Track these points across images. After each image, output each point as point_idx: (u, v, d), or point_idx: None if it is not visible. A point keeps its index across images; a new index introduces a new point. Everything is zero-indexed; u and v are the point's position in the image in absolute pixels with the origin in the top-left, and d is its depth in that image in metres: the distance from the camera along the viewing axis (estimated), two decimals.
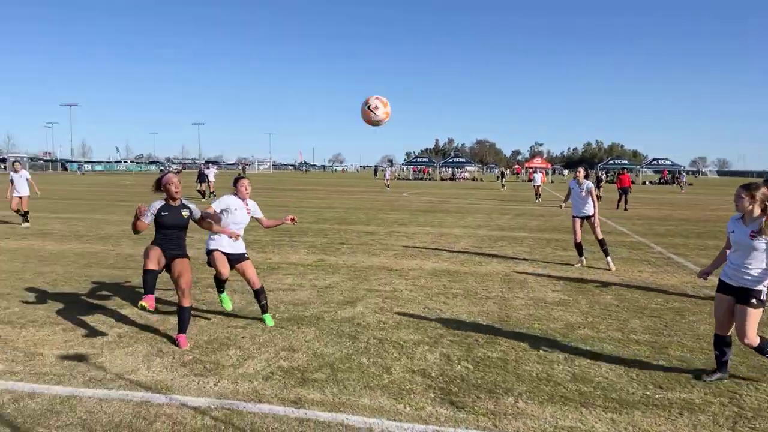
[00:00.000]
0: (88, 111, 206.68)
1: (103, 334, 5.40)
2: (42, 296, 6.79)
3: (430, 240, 12.45)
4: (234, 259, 5.76)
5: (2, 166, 67.44)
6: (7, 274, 8.03)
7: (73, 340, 5.19)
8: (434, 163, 79.38)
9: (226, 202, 5.77)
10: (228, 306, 6.06)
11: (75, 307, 6.32)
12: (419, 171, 77.34)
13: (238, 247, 5.78)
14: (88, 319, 5.89)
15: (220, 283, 5.98)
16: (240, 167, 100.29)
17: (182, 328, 5.18)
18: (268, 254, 10.05)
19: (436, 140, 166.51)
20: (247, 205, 5.91)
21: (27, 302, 6.50)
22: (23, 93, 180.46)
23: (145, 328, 5.63)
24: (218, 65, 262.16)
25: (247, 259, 5.89)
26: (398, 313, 6.34)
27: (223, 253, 5.69)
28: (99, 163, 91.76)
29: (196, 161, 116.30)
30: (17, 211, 13.50)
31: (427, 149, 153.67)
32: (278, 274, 8.38)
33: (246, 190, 5.88)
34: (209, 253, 5.71)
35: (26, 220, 13.59)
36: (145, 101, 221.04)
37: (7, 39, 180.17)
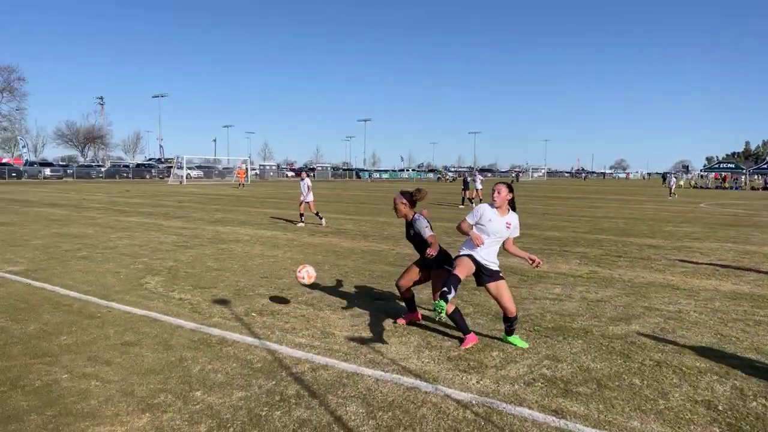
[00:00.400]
0: (378, 124, 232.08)
1: (381, 322, 6.01)
2: (336, 285, 7.86)
3: (730, 258, 10.76)
4: (486, 275, 5.17)
5: (310, 174, 79.92)
6: (312, 264, 9.49)
7: (358, 326, 5.89)
8: (742, 169, 68.33)
9: (480, 211, 5.16)
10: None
11: (361, 297, 7.16)
12: (721, 178, 67.47)
13: (491, 260, 5.17)
14: (371, 308, 6.61)
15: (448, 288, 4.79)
16: (512, 175, 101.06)
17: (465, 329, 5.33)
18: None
19: (747, 143, 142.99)
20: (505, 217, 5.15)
21: (324, 289, 7.60)
22: (330, 112, 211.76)
23: (418, 322, 6.07)
24: (494, 74, 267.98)
25: (502, 278, 5.24)
26: (682, 337, 5.64)
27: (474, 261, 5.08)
28: (385, 171, 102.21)
29: (470, 169, 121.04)
30: (307, 214, 15.91)
31: (734, 153, 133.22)
32: (546, 283, 8.20)
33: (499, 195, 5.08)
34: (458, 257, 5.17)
35: (301, 221, 15.76)
36: (426, 113, 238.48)
37: (319, 68, 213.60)
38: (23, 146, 77.04)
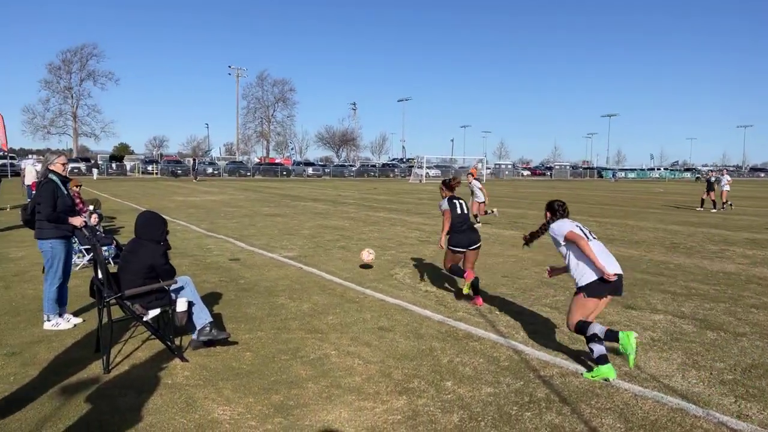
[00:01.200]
0: (624, 119, 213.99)
1: (637, 333, 5.51)
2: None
3: None
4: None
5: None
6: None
7: None
8: None
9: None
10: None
11: (611, 305, 6.67)
12: None
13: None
14: (623, 317, 6.13)
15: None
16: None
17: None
18: None
19: None
20: None
21: (571, 293, 7.26)
22: (569, 108, 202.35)
23: (679, 337, 5.45)
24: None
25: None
26: None
27: None
28: (632, 170, 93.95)
29: (738, 168, 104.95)
30: (485, 212, 15.41)
31: None
32: None
33: None
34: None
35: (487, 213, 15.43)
36: (681, 105, 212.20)
37: (558, 64, 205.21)
38: (292, 148, 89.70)
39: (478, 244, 6.79)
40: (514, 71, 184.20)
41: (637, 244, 11.86)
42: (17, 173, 37.17)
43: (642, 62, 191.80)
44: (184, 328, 4.91)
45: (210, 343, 4.94)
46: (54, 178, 5.50)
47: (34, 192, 5.85)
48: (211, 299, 6.61)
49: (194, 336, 4.87)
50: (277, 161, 73.49)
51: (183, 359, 4.65)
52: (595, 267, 4.44)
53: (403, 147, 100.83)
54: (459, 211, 6.83)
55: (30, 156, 60.26)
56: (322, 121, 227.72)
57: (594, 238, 4.71)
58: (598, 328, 4.38)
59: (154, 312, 4.73)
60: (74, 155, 62.03)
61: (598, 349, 4.36)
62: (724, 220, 17.54)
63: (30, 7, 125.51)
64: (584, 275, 4.51)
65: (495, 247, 11.00)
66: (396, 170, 70.08)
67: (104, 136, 76.12)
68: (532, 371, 4.51)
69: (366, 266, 8.82)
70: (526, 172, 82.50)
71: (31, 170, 21.49)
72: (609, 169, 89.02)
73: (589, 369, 4.50)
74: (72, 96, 70.39)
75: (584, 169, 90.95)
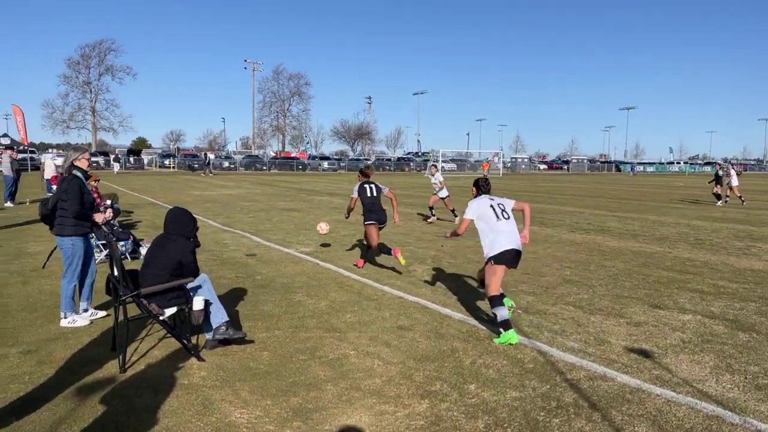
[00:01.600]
0: (642, 112, 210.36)
1: (664, 334, 5.34)
2: (606, 288, 7.27)
3: None
4: None
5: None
6: (576, 264, 8.98)
7: (637, 335, 5.32)
8: None
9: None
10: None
11: (636, 303, 6.49)
12: None
13: None
14: (650, 316, 5.94)
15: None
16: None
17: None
18: None
19: None
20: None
21: (594, 291, 7.08)
22: (586, 101, 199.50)
23: (710, 339, 5.25)
24: None
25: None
26: None
27: None
28: (650, 164, 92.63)
29: (759, 162, 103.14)
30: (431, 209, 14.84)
31: None
32: None
33: None
34: None
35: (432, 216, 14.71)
36: (701, 98, 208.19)
37: (573, 57, 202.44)
38: (307, 142, 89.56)
39: (385, 223, 8.14)
40: (531, 64, 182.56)
41: (660, 240, 11.59)
42: (37, 167, 37.61)
43: (661, 54, 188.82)
44: (201, 327, 4.83)
45: (226, 342, 4.85)
46: (78, 174, 5.47)
47: (53, 186, 5.84)
48: (228, 296, 6.53)
49: (210, 335, 4.78)
50: (292, 155, 73.52)
51: (200, 359, 4.56)
52: (496, 240, 5.21)
53: (419, 141, 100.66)
54: (368, 194, 8.05)
55: (50, 150, 61.06)
56: (337, 114, 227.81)
57: (505, 218, 5.33)
58: (501, 307, 5.14)
59: (170, 310, 4.65)
60: (93, 149, 62.53)
61: (502, 314, 5.04)
62: (748, 215, 17.13)
63: (48, 2, 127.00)
64: (493, 247, 5.22)
65: None
66: (411, 164, 69.77)
67: (122, 130, 76.62)
68: (559, 374, 4.35)
69: (325, 244, 10.07)
70: (542, 166, 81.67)
71: (50, 164, 21.66)
72: (627, 163, 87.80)
73: (498, 335, 5.08)
74: (90, 90, 70.91)
75: (602, 162, 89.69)
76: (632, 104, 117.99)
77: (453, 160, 71.80)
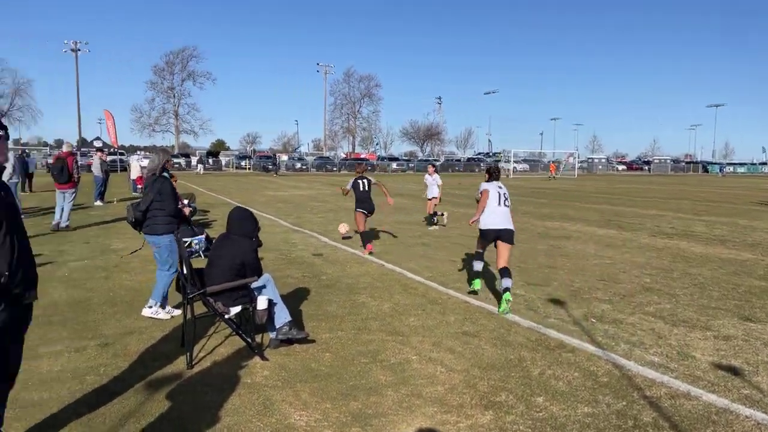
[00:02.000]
0: (732, 111, 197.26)
1: (757, 351, 4.88)
2: (691, 298, 6.78)
3: None
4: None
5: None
6: (657, 270, 8.46)
7: (726, 350, 4.90)
8: None
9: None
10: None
11: (725, 315, 6.00)
12: None
13: None
14: (740, 330, 5.46)
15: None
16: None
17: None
18: None
19: None
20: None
21: (677, 301, 6.62)
22: (669, 99, 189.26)
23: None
24: None
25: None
26: None
27: None
28: (741, 164, 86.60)
29: None
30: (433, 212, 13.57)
31: None
32: None
33: None
34: None
35: (434, 223, 13.51)
36: None
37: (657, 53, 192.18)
38: (377, 143, 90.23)
39: (373, 212, 9.92)
40: (609, 60, 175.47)
41: (752, 246, 10.74)
42: (125, 168, 39.92)
43: (751, 48, 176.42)
44: (264, 326, 4.87)
45: (289, 342, 4.86)
46: (167, 175, 5.75)
47: (138, 186, 6.13)
48: (293, 295, 6.58)
49: (273, 335, 4.81)
50: (362, 156, 74.24)
51: (263, 358, 4.59)
52: (489, 218, 6.36)
53: (489, 141, 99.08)
54: (361, 188, 9.82)
55: (138, 152, 64.64)
56: (406, 115, 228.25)
57: (507, 206, 6.43)
58: (478, 261, 6.69)
59: (235, 309, 4.71)
60: (176, 151, 65.68)
61: (477, 267, 6.63)
62: None
63: (135, 13, 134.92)
64: (485, 223, 6.39)
65: (589, 246, 10.33)
66: (482, 165, 68.67)
67: (202, 132, 79.56)
68: (636, 390, 4.06)
69: (346, 237, 11.02)
70: (621, 167, 78.21)
71: (136, 165, 22.90)
72: (715, 164, 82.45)
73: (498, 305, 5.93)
74: (174, 95, 74.48)
75: (687, 163, 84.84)
76: (720, 101, 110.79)
77: (525, 161, 70.13)
